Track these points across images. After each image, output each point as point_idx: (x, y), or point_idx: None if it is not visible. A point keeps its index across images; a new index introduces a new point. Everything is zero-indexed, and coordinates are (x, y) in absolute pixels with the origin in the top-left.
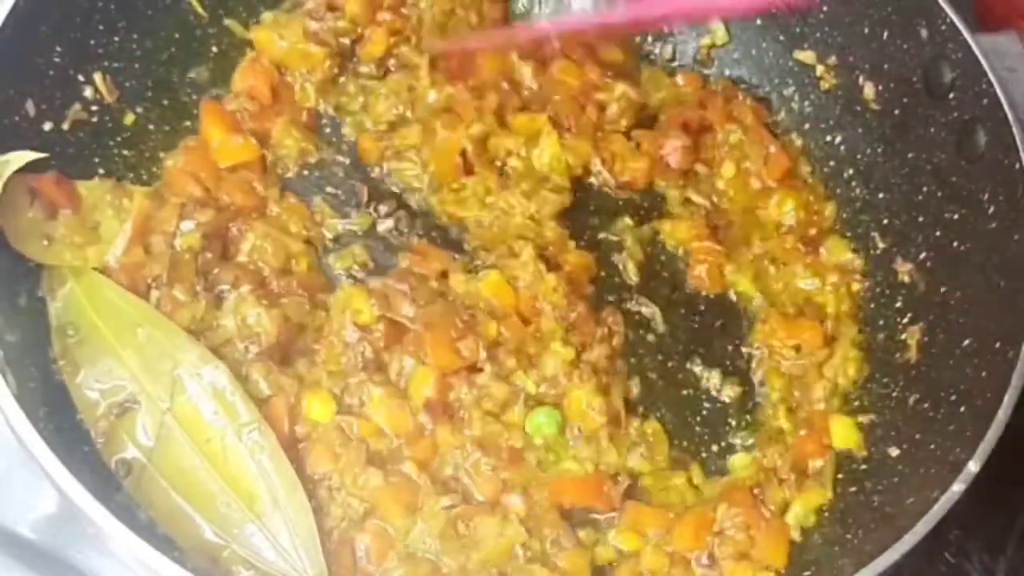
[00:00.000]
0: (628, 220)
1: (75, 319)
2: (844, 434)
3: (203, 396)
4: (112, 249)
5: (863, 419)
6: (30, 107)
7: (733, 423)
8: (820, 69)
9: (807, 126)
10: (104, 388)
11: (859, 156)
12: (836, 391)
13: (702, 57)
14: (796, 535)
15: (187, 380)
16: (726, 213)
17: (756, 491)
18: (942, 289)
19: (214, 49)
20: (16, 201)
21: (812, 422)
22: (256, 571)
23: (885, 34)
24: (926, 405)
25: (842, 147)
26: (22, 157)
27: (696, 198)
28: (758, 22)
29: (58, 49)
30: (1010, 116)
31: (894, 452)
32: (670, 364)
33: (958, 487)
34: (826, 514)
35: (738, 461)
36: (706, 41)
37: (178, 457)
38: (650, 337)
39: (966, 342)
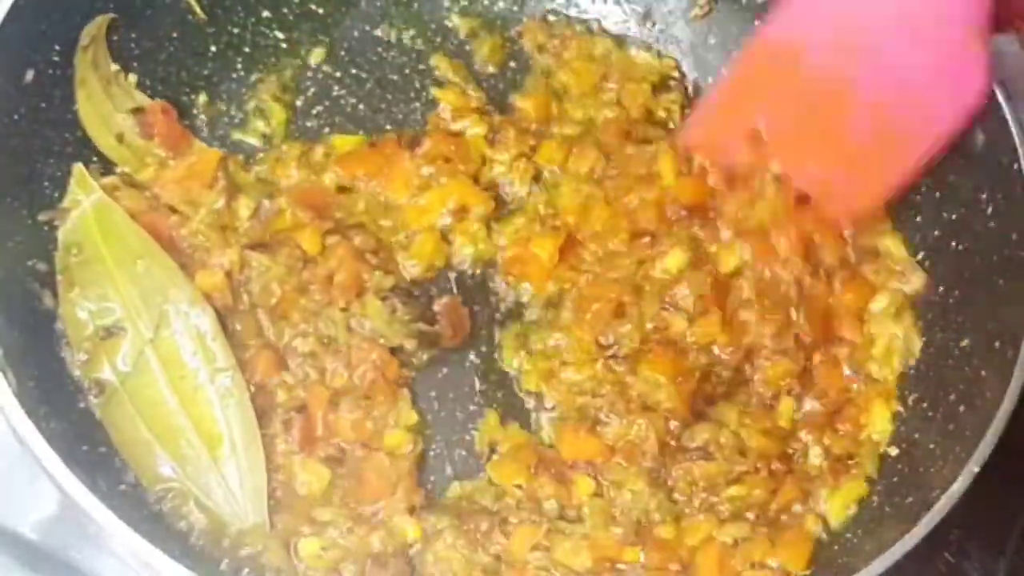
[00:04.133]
0: None
1: (81, 240)
2: (881, 416)
3: (186, 335)
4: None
5: None
6: None
7: None
8: None
9: None
10: (94, 309)
11: None
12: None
13: None
14: (830, 528)
15: (174, 317)
16: None
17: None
18: (940, 289)
19: (213, 49)
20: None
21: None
22: (202, 510)
23: None
24: (925, 405)
25: None
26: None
27: None
28: (756, 24)
29: (58, 48)
30: (1009, 116)
31: (893, 452)
32: None
33: (958, 487)
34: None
35: None
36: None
37: (150, 387)
38: None
39: (965, 342)
